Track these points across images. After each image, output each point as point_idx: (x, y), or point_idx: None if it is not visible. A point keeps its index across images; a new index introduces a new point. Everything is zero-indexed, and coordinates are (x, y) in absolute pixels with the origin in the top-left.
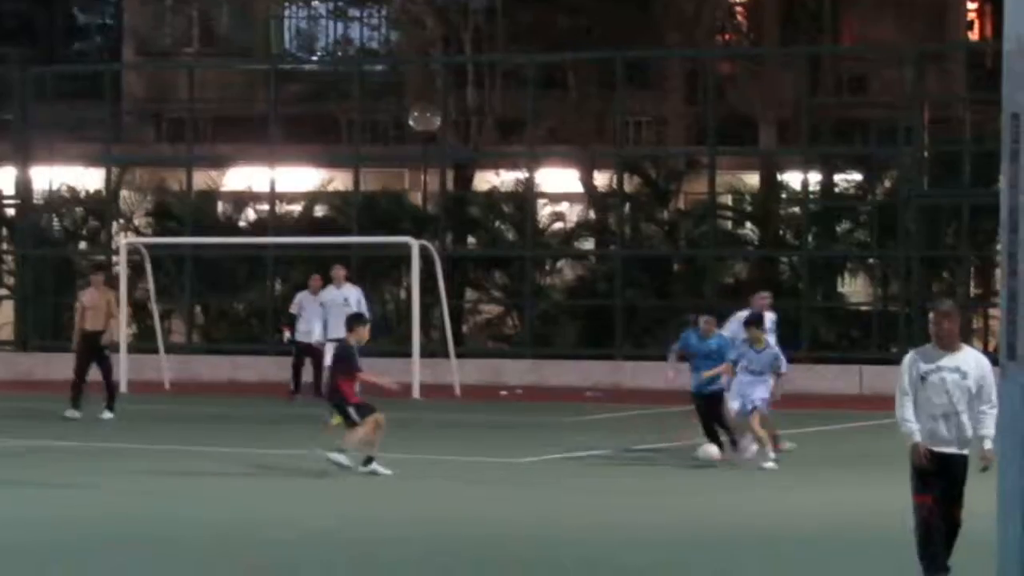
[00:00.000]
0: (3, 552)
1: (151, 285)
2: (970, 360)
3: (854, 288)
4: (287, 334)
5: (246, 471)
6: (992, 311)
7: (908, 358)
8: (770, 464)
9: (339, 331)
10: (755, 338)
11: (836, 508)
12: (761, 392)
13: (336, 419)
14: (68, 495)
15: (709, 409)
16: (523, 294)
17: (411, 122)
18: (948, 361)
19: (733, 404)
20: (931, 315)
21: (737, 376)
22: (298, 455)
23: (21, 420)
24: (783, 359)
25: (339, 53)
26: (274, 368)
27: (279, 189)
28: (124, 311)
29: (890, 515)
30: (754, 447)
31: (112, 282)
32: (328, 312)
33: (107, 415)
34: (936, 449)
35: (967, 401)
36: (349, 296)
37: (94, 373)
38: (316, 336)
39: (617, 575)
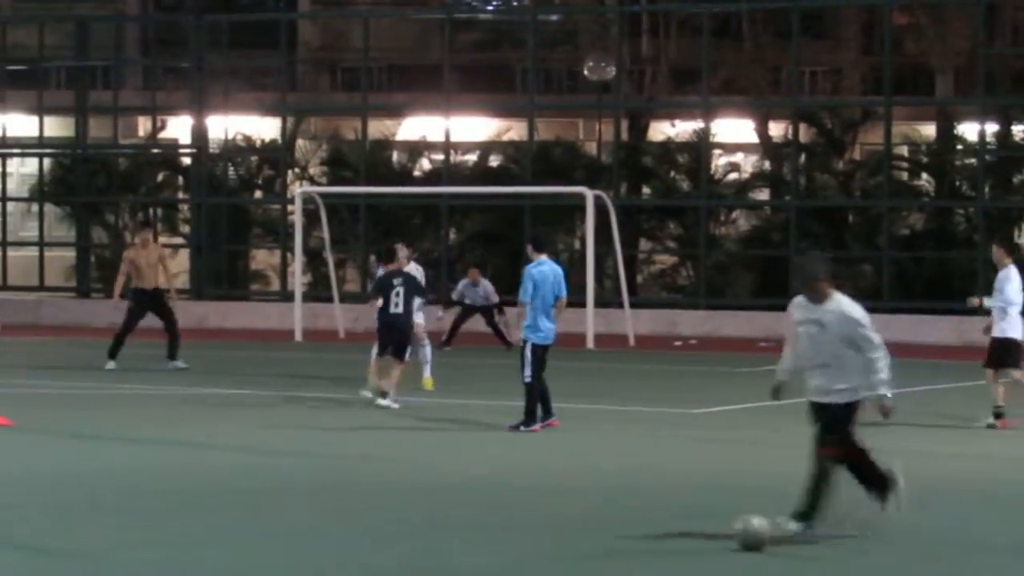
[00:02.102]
0: (209, 496)
1: (326, 234)
2: (833, 310)
3: None
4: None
5: (427, 421)
6: None
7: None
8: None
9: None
10: None
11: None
12: None
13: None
14: (268, 443)
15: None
16: (697, 244)
17: (586, 71)
18: (812, 313)
19: None
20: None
21: None
22: (481, 406)
23: (204, 370)
24: None
25: (514, 2)
26: (448, 317)
27: (453, 138)
28: (299, 260)
29: None
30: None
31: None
32: None
33: (181, 364)
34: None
35: (831, 352)
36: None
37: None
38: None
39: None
